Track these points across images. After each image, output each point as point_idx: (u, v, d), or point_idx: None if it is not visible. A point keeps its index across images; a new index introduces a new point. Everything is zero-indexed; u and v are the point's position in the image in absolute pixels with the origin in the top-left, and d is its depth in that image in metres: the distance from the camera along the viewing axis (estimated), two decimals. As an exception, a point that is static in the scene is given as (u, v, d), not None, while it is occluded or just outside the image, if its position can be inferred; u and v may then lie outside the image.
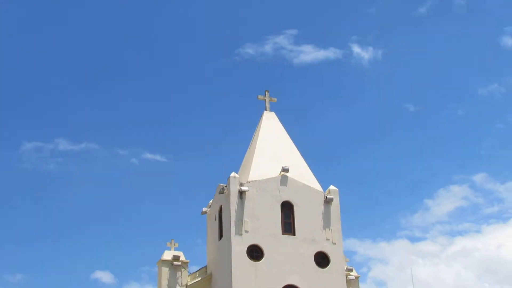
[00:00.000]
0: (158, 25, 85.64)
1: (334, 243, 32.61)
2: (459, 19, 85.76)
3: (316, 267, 31.83)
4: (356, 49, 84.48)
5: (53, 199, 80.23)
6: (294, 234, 32.25)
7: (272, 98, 38.08)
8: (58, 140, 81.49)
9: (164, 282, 32.49)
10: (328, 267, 32.04)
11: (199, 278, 33.39)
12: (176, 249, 33.79)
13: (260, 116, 37.57)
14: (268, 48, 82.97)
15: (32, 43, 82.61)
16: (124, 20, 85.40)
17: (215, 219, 34.25)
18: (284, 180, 33.25)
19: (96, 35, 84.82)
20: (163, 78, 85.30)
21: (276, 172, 33.48)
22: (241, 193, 32.12)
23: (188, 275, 33.35)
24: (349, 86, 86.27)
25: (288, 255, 31.53)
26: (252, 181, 32.70)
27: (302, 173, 34.42)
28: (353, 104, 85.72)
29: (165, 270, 32.75)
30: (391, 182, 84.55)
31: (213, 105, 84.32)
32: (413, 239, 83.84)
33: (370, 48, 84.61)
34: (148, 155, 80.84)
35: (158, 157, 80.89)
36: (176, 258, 32.99)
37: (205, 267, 34.42)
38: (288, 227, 32.40)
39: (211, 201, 35.73)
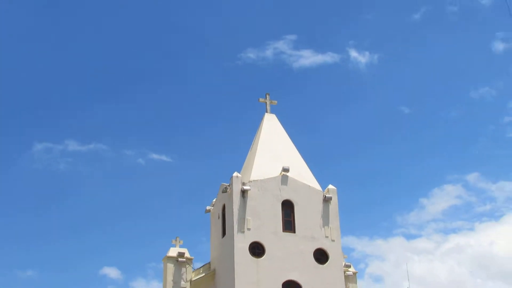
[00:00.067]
0: (164, 32, 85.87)
1: (332, 240, 32.57)
2: (452, 25, 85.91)
3: (316, 263, 31.79)
4: (353, 53, 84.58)
5: (62, 197, 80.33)
6: (294, 232, 32.21)
7: (273, 101, 38.06)
8: (67, 141, 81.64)
9: (170, 277, 32.47)
10: (327, 263, 32.00)
11: (203, 274, 33.35)
12: (181, 246, 33.76)
13: (261, 118, 37.54)
14: (268, 53, 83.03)
15: (43, 50, 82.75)
16: (131, 27, 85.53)
17: (219, 217, 34.23)
18: (284, 179, 33.22)
19: (102, 40, 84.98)
20: (168, 82, 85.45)
21: (277, 172, 33.45)
22: (243, 192, 32.10)
23: (193, 271, 33.32)
24: (346, 89, 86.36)
25: (289, 252, 31.49)
26: (254, 180, 32.67)
27: (301, 173, 34.39)
28: (350, 107, 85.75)
29: (171, 266, 32.73)
30: (388, 182, 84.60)
31: (216, 108, 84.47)
32: (409, 237, 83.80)
33: (367, 53, 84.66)
34: (154, 156, 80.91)
35: (163, 158, 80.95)
36: (181, 254, 32.96)
37: (209, 263, 34.39)
38: (289, 225, 32.37)
39: (214, 200, 35.71)
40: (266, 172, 33.37)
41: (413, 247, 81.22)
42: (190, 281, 32.73)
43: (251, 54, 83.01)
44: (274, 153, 34.92)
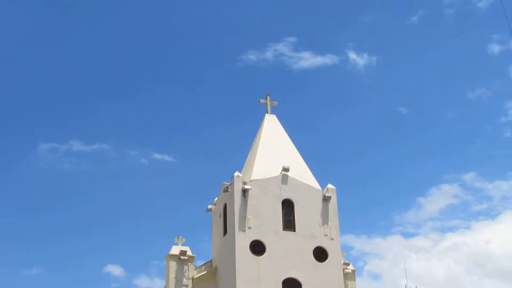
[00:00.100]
0: (167, 34, 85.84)
1: (332, 239, 32.55)
2: (449, 28, 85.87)
3: (315, 261, 31.76)
4: (352, 55, 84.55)
5: (67, 197, 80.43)
6: (294, 230, 32.19)
7: (273, 102, 38.04)
8: (72, 142, 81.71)
9: (172, 275, 32.45)
10: (326, 261, 31.97)
11: (205, 272, 33.34)
12: (183, 245, 33.71)
13: (261, 118, 37.52)
14: (269, 54, 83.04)
15: (48, 53, 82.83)
16: (134, 29, 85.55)
17: (220, 216, 34.21)
18: (284, 179, 33.20)
19: (106, 42, 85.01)
20: (171, 83, 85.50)
21: (277, 171, 33.43)
22: (244, 192, 32.09)
23: (195, 269, 33.30)
24: (345, 90, 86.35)
25: (289, 250, 31.47)
26: (254, 180, 32.66)
27: (301, 172, 34.37)
28: (349, 107, 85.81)
29: (173, 264, 32.71)
30: (386, 182, 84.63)
31: (218, 108, 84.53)
32: (407, 235, 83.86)
33: (365, 55, 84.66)
34: (157, 156, 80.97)
35: (166, 157, 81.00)
36: (183, 252, 32.94)
37: (211, 261, 34.37)
38: (289, 223, 32.35)
39: (216, 199, 35.69)
40: (267, 172, 33.36)
41: (411, 246, 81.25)
42: (192, 278, 32.71)
43: (252, 56, 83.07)
44: (274, 153, 34.91)
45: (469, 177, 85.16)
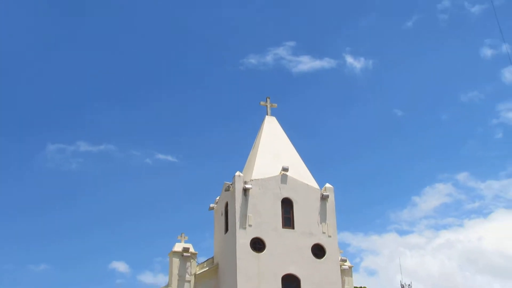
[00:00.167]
0: (171, 39, 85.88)
1: (329, 236, 32.52)
2: (443, 32, 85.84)
3: (313, 258, 31.73)
4: (349, 59, 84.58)
5: (74, 196, 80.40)
6: (293, 228, 32.16)
7: (273, 104, 37.99)
8: (79, 143, 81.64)
9: (175, 271, 32.42)
10: (324, 258, 31.95)
11: (207, 268, 33.31)
12: (186, 242, 33.69)
13: (262, 120, 37.48)
14: (269, 58, 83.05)
15: (57, 58, 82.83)
16: (139, 34, 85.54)
17: (222, 214, 34.18)
18: (284, 178, 33.17)
19: (110, 47, 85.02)
20: (174, 86, 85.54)
21: (277, 171, 33.40)
22: (245, 191, 32.06)
23: (197, 265, 33.26)
24: (342, 93, 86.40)
25: (288, 247, 31.44)
26: (255, 179, 32.63)
27: (300, 172, 34.34)
28: (346, 110, 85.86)
29: (176, 261, 32.68)
30: (382, 181, 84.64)
31: (219, 110, 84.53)
32: (402, 233, 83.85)
33: (362, 59, 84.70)
34: (160, 156, 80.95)
35: (169, 158, 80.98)
36: (186, 249, 32.91)
37: (212, 258, 34.35)
38: (288, 221, 32.31)
39: (217, 198, 35.66)
40: (267, 172, 33.33)
41: (406, 243, 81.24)
42: (195, 274, 32.69)
43: (252, 60, 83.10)
44: (274, 153, 34.87)
45: (462, 176, 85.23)
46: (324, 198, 33.25)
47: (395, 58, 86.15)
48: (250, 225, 31.38)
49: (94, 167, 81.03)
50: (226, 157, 77.31)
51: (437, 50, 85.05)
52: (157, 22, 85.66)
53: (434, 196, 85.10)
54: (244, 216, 31.47)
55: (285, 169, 33.21)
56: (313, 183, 34.00)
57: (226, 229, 32.95)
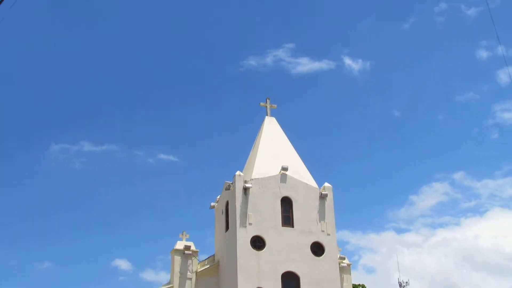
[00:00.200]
0: (173, 41, 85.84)
1: (328, 234, 32.55)
2: (439, 34, 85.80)
3: (312, 255, 31.76)
4: (347, 61, 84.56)
5: (77, 194, 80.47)
6: (292, 226, 32.19)
7: (273, 105, 38.04)
8: (82, 143, 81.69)
9: (177, 269, 32.46)
10: (323, 255, 31.98)
11: (208, 266, 33.34)
12: (187, 240, 33.72)
13: (262, 121, 37.51)
14: (269, 60, 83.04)
15: (62, 61, 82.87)
16: (141, 38, 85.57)
17: (222, 213, 34.21)
18: (283, 178, 33.21)
19: (114, 50, 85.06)
20: (176, 87, 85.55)
21: (276, 170, 33.43)
22: (245, 190, 32.09)
23: (198, 263, 33.30)
24: (341, 94, 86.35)
25: (287, 245, 31.47)
26: (255, 178, 32.66)
27: (299, 171, 34.36)
28: (345, 110, 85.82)
29: (178, 258, 32.71)
30: (380, 180, 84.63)
31: (220, 111, 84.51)
32: (399, 231, 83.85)
33: (360, 60, 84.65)
34: (162, 156, 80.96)
35: (171, 157, 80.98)
36: (187, 247, 32.94)
37: (213, 255, 34.36)
38: (287, 220, 32.34)
39: (218, 197, 35.69)
40: (267, 171, 33.35)
41: (403, 241, 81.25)
42: (196, 272, 32.72)
43: (252, 62, 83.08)
44: (274, 153, 34.90)
45: (458, 176, 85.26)
46: (323, 197, 33.28)
47: (392, 59, 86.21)
48: (250, 224, 31.41)
49: (97, 166, 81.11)
50: (227, 156, 77.43)
51: (434, 51, 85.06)
52: (159, 25, 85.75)
53: (431, 195, 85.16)
54: (244, 214, 31.50)
55: (284, 169, 33.24)
56: (312, 182, 34.03)
57: (227, 228, 32.98)
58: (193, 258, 33.03)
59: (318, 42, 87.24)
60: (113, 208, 79.41)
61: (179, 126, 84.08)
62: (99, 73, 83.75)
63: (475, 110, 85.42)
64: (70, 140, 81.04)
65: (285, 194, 32.83)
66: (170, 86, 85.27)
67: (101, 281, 74.49)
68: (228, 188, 32.93)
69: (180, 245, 33.17)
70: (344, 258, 34.48)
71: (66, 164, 79.53)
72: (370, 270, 76.50)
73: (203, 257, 34.28)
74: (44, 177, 79.80)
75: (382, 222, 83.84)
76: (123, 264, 77.10)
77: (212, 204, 36.11)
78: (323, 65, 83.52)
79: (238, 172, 32.73)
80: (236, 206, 31.60)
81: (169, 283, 32.52)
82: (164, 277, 64.12)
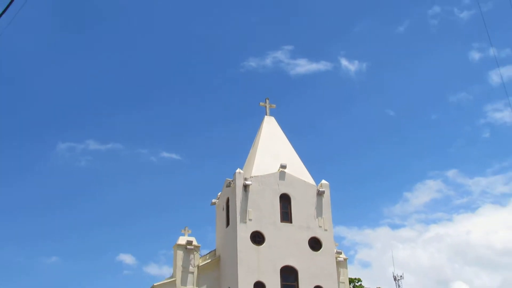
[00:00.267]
0: (175, 43, 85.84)
1: (325, 230, 32.55)
2: (433, 37, 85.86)
3: (310, 250, 31.76)
4: (344, 62, 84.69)
5: (83, 191, 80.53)
6: (291, 222, 32.19)
7: (272, 105, 38.01)
8: (88, 141, 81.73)
9: (179, 263, 32.45)
10: (320, 250, 31.98)
11: (209, 260, 33.35)
12: (189, 235, 33.70)
13: (261, 120, 37.49)
14: (268, 61, 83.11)
15: (67, 63, 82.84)
16: (145, 40, 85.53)
17: (223, 209, 34.21)
18: (282, 175, 33.20)
19: (117, 52, 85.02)
20: (178, 88, 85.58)
21: (275, 168, 33.42)
22: (245, 187, 32.08)
23: (200, 257, 33.30)
24: (338, 94, 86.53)
25: (286, 240, 31.47)
26: (254, 176, 32.65)
27: (298, 169, 34.35)
28: (342, 110, 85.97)
29: (180, 253, 32.70)
30: (375, 178, 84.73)
31: (221, 110, 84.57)
32: (394, 227, 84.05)
33: (356, 62, 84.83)
34: (165, 154, 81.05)
35: (174, 156, 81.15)
36: (189, 242, 32.94)
37: (214, 250, 34.37)
38: (286, 216, 32.34)
39: (219, 194, 35.68)
40: (266, 169, 33.34)
41: (398, 236, 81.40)
42: (198, 266, 32.73)
43: (252, 63, 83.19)
44: (273, 151, 34.89)
45: (451, 173, 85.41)
46: (320, 194, 33.27)
47: (388, 61, 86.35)
48: (250, 220, 31.40)
49: (102, 164, 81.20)
50: (227, 155, 77.53)
51: (428, 53, 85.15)
52: (161, 27, 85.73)
53: (425, 192, 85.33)
54: (244, 211, 31.50)
55: (283, 167, 33.23)
56: (310, 180, 34.03)
57: (228, 223, 32.97)
58: (195, 252, 33.02)
59: (315, 44, 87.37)
60: (117, 204, 79.59)
61: (182, 125, 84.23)
62: (104, 74, 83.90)
63: (467, 110, 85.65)
64: (76, 138, 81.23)
65: (283, 191, 32.82)
66: (173, 86, 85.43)
67: (106, 275, 74.71)
68: (228, 185, 32.92)
69: (182, 240, 33.16)
70: (340, 253, 34.48)
71: (72, 162, 79.67)
72: (365, 265, 76.65)
73: (204, 251, 34.38)
74: (51, 174, 79.99)
75: (377, 218, 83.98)
76: (127, 258, 77.24)
77: (213, 200, 36.10)
78: (320, 66, 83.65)
79: (238, 170, 32.72)
80: (237, 202, 31.60)
81: (171, 276, 32.52)
82: (167, 271, 64.26)
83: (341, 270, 34.25)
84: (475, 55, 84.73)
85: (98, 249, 77.07)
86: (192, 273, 32.37)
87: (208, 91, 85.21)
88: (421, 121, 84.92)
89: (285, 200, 32.73)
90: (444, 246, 78.38)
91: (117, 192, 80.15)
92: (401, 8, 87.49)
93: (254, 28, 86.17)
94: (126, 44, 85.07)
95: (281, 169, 33.24)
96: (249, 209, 31.65)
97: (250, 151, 36.45)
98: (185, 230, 33.99)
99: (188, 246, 32.84)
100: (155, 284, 31.74)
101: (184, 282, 31.99)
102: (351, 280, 46.02)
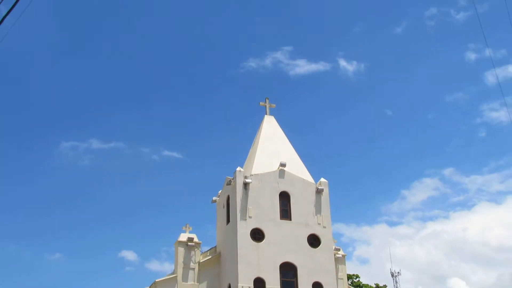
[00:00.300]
0: (176, 44, 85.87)
1: (324, 227, 32.59)
2: (430, 38, 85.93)
3: (309, 247, 31.81)
4: (343, 62, 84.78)
5: (86, 189, 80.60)
6: (290, 219, 32.23)
7: (272, 104, 38.05)
8: (91, 140, 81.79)
9: (180, 259, 32.51)
10: (319, 247, 32.02)
11: (210, 257, 33.40)
12: (190, 232, 33.77)
13: (261, 119, 37.54)
14: (268, 62, 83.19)
15: (71, 65, 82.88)
16: (143, 41, 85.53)
17: (224, 207, 34.26)
18: (282, 173, 33.25)
19: (119, 53, 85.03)
20: (179, 88, 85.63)
21: (275, 166, 33.46)
22: (246, 185, 32.13)
23: (201, 254, 33.36)
24: (336, 94, 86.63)
25: (285, 237, 31.52)
26: (254, 174, 32.69)
27: (297, 167, 34.39)
28: (340, 109, 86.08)
29: (181, 250, 32.76)
30: (373, 176, 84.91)
31: (222, 110, 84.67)
32: (391, 224, 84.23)
33: (354, 62, 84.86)
34: (167, 152, 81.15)
35: (175, 154, 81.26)
36: (190, 239, 33.00)
37: (215, 247, 34.42)
38: (285, 213, 32.38)
39: (220, 192, 35.73)
40: (266, 167, 33.39)
41: (395, 233, 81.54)
42: (198, 262, 32.78)
43: (252, 63, 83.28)
44: (272, 150, 34.93)
45: (448, 172, 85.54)
46: (319, 191, 33.32)
47: (385, 61, 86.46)
48: (250, 217, 31.45)
49: (105, 163, 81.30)
50: (228, 153, 77.64)
51: (425, 54, 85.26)
52: (162, 28, 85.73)
53: (422, 190, 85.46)
54: (244, 208, 31.55)
55: (282, 165, 33.27)
56: (309, 178, 34.07)
57: (228, 221, 33.02)
58: (196, 249, 33.08)
59: (315, 45, 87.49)
60: (120, 202, 79.73)
61: (183, 125, 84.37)
62: (106, 74, 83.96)
63: (464, 109, 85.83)
64: (79, 138, 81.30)
65: (283, 189, 32.87)
66: (174, 86, 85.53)
67: (109, 271, 74.86)
68: (229, 183, 32.97)
69: (183, 237, 33.22)
70: (339, 250, 34.56)
71: (75, 160, 79.77)
72: (364, 261, 76.78)
73: (205, 248, 34.42)
74: (55, 173, 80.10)
75: (375, 215, 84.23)
76: (129, 255, 77.42)
77: (214, 198, 36.15)
78: (319, 66, 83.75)
79: (238, 168, 32.76)
80: (237, 200, 31.65)
81: (173, 273, 32.59)
82: (168, 267, 64.37)
83: (340, 266, 34.32)
84: (471, 56, 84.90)
85: (101, 246, 77.33)
86: (193, 269, 32.43)
87: (208, 91, 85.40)
88: (418, 120, 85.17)
89: (284, 197, 32.77)
90: (440, 243, 78.54)
91: (119, 190, 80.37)
92: (398, 9, 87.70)
93: (254, 29, 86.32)
94: (127, 44, 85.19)
95: (280, 168, 33.28)
96: (249, 206, 31.69)
97: (250, 149, 36.50)
98: (186, 227, 34.05)
99: (189, 243, 32.89)
100: (156, 280, 31.79)
101: (185, 278, 32.05)
102: (349, 276, 46.12)
